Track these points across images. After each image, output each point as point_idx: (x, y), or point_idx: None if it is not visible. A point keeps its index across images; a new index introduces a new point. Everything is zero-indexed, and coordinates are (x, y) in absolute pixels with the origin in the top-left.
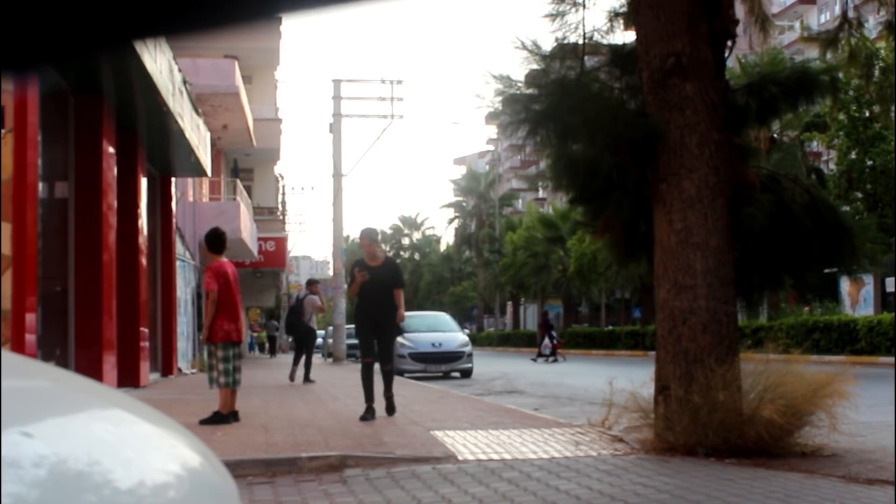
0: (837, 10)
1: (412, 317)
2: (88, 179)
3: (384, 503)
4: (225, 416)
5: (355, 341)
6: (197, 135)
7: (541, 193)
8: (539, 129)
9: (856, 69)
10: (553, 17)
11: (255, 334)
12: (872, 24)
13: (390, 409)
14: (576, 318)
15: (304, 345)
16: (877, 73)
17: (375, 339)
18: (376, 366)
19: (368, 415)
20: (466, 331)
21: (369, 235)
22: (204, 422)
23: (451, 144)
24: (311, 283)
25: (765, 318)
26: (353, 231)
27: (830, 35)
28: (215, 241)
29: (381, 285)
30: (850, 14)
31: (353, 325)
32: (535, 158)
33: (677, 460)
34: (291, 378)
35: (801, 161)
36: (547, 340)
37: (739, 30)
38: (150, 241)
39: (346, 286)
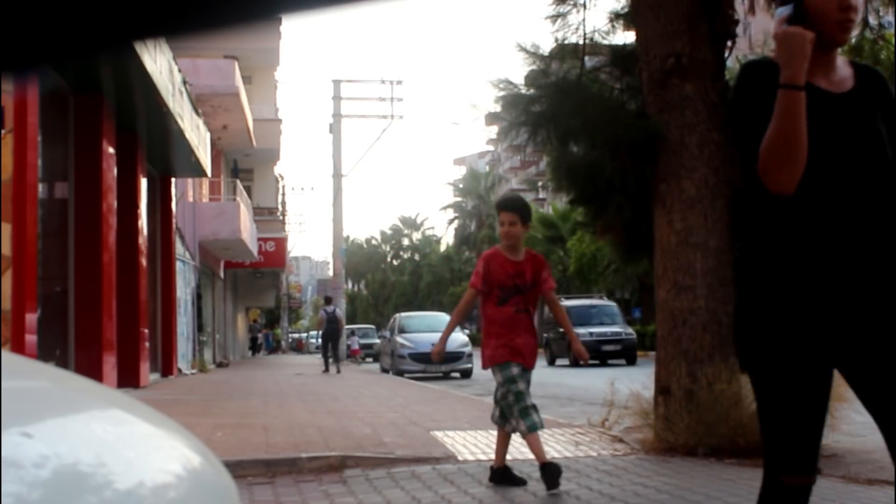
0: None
1: (412, 317)
2: (88, 179)
3: (384, 503)
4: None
5: (351, 341)
6: (197, 135)
7: (541, 194)
8: (539, 131)
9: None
10: (554, 18)
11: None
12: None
13: None
14: None
15: (336, 346)
16: None
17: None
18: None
19: None
20: (467, 331)
21: None
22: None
23: (450, 145)
24: (331, 300)
25: None
26: (353, 231)
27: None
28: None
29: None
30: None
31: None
32: (535, 159)
33: (677, 460)
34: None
35: None
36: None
37: (739, 30)
38: (150, 241)
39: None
